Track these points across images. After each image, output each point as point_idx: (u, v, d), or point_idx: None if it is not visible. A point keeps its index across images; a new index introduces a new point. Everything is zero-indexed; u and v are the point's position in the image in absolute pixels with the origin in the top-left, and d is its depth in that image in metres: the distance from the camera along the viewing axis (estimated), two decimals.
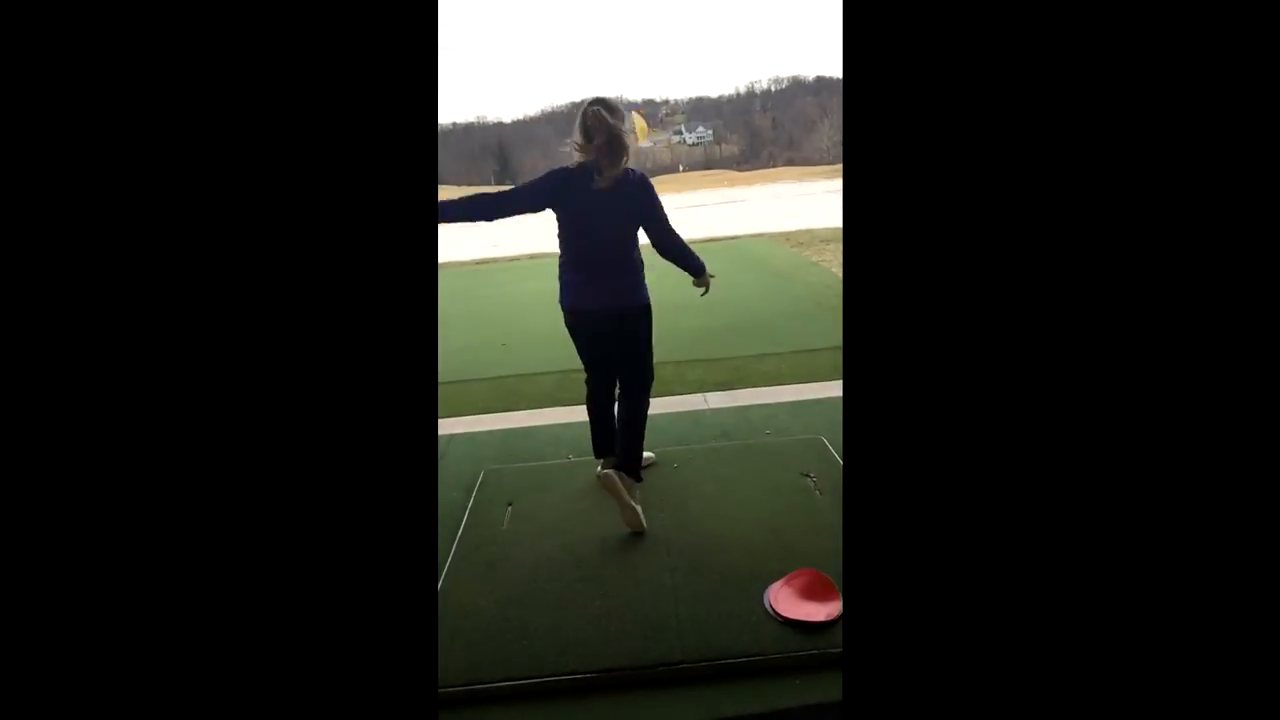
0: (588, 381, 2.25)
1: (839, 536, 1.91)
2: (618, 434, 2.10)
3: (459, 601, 1.76)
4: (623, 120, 1.93)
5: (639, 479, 2.06)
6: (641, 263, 2.05)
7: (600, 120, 1.90)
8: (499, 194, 1.99)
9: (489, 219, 1.96)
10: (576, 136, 1.94)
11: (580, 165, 1.93)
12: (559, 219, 2.00)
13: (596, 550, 1.95)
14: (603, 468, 2.22)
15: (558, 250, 2.06)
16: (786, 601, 1.64)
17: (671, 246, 2.06)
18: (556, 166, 2.00)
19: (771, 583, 1.71)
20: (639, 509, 2.00)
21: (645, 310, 2.06)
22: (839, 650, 1.49)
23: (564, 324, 2.10)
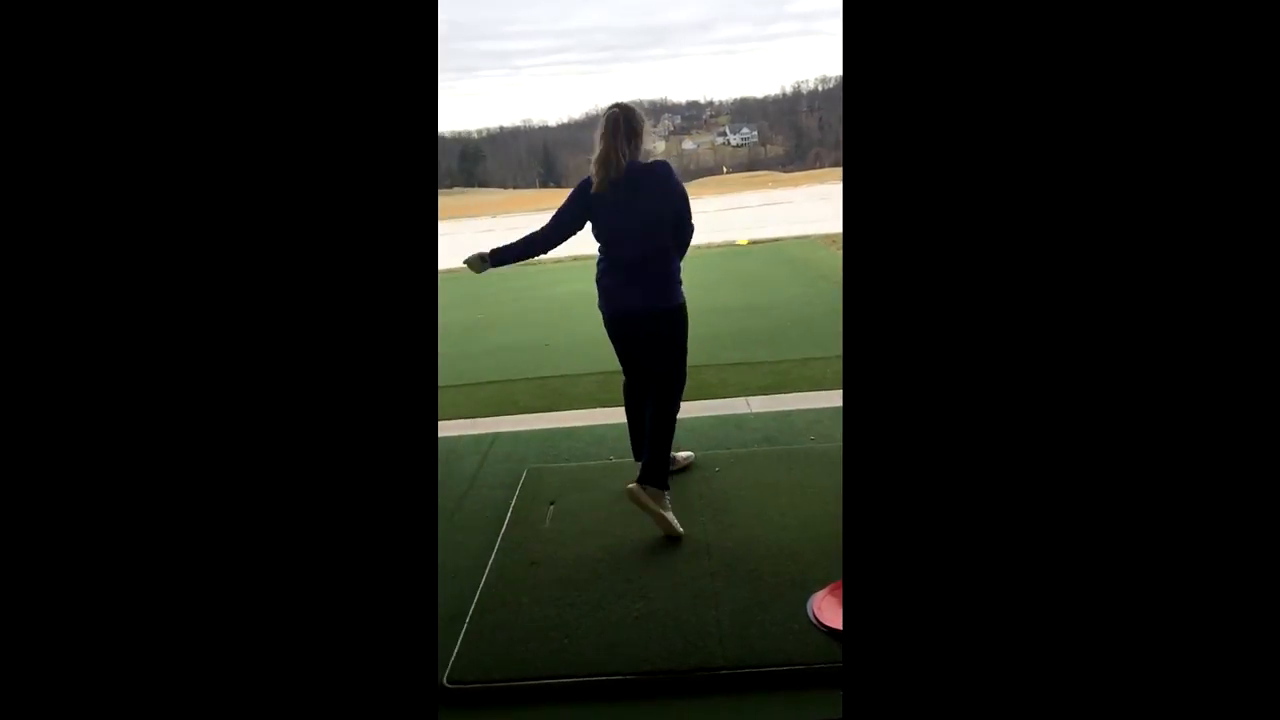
0: (625, 385, 2.28)
1: None
2: (645, 441, 2.09)
3: (501, 597, 1.78)
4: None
5: (664, 486, 2.02)
6: (674, 262, 2.06)
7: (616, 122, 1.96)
8: (546, 226, 2.09)
9: (545, 250, 2.08)
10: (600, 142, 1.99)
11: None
12: (593, 226, 2.04)
13: (637, 551, 1.95)
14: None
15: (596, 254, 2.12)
16: (830, 611, 1.61)
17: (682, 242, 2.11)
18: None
19: (815, 591, 1.68)
20: (670, 516, 1.98)
21: (675, 312, 2.05)
22: None
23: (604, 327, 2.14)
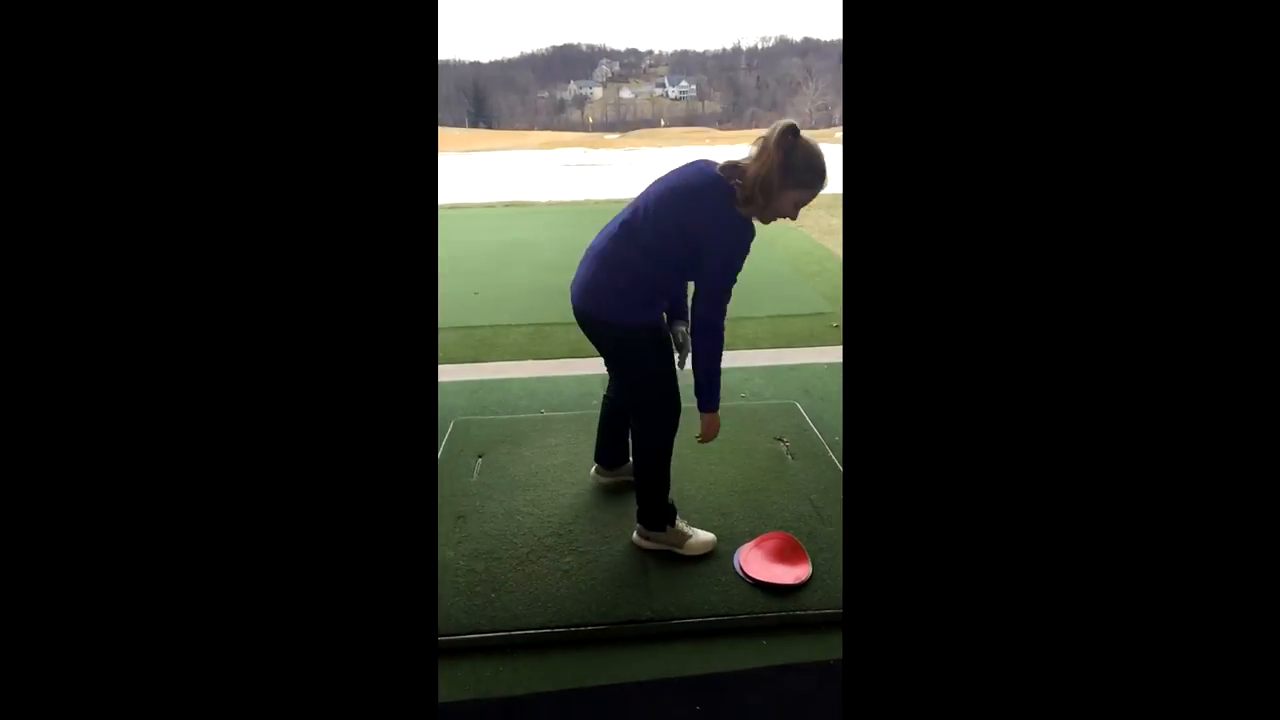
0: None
1: (810, 500, 1.94)
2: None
3: None
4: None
5: (661, 526, 1.69)
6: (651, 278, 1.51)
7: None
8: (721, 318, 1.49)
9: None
10: (803, 176, 1.41)
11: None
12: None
13: (567, 506, 1.94)
14: (595, 473, 2.01)
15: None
16: (756, 563, 1.65)
17: None
18: (734, 219, 1.43)
19: (741, 544, 1.73)
20: (686, 538, 1.69)
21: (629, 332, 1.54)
22: (805, 613, 1.52)
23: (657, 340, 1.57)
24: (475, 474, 2.12)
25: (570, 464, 2.14)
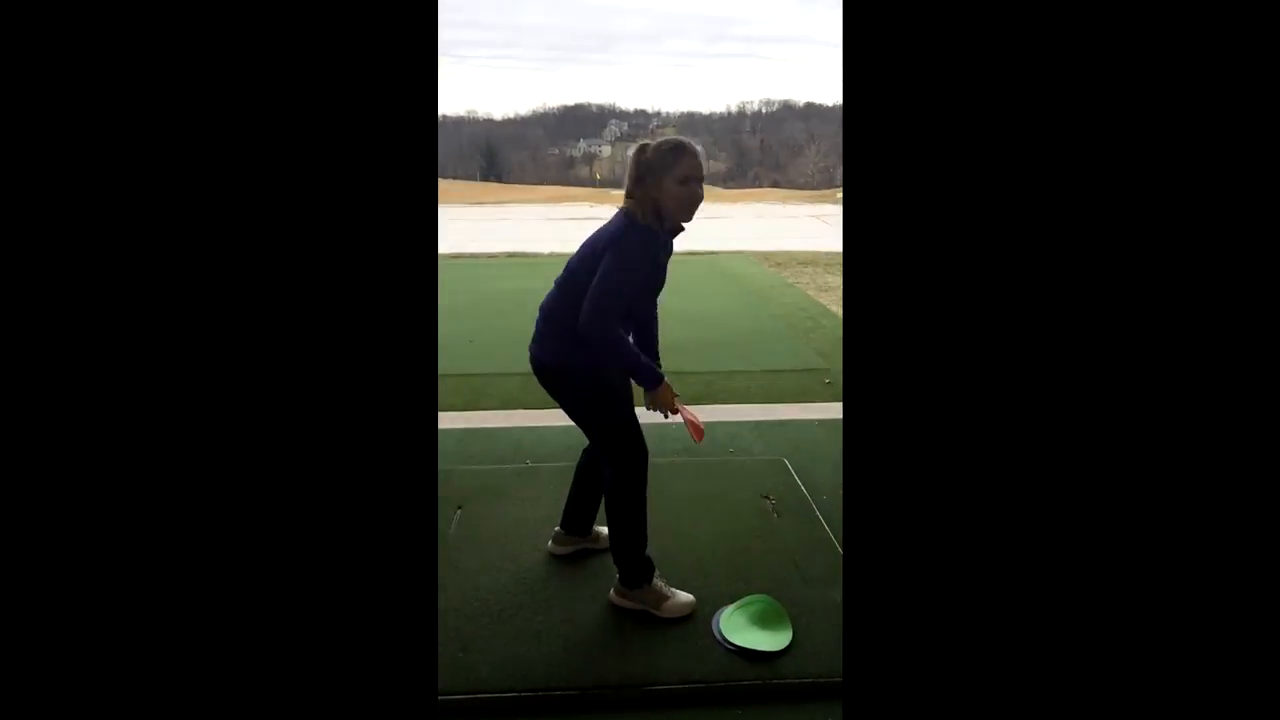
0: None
1: (794, 561, 1.88)
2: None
3: None
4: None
5: (637, 584, 1.64)
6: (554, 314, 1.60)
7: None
8: (616, 324, 1.50)
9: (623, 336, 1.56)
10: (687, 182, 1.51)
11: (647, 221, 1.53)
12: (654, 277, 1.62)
13: (543, 562, 1.88)
14: (551, 542, 1.90)
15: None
16: (736, 628, 1.59)
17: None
18: (630, 228, 1.52)
19: (723, 607, 1.67)
20: (666, 601, 1.63)
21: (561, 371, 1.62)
22: (784, 681, 1.45)
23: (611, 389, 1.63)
24: (452, 526, 2.07)
25: (551, 517, 2.09)
